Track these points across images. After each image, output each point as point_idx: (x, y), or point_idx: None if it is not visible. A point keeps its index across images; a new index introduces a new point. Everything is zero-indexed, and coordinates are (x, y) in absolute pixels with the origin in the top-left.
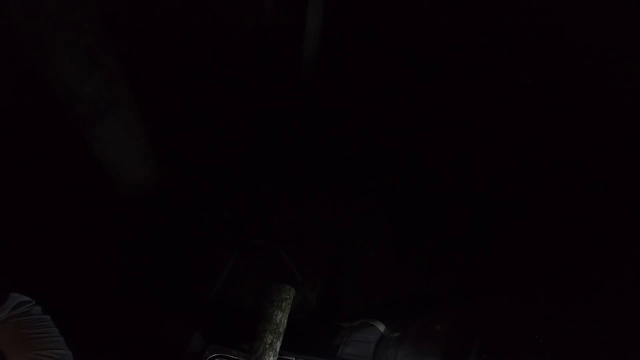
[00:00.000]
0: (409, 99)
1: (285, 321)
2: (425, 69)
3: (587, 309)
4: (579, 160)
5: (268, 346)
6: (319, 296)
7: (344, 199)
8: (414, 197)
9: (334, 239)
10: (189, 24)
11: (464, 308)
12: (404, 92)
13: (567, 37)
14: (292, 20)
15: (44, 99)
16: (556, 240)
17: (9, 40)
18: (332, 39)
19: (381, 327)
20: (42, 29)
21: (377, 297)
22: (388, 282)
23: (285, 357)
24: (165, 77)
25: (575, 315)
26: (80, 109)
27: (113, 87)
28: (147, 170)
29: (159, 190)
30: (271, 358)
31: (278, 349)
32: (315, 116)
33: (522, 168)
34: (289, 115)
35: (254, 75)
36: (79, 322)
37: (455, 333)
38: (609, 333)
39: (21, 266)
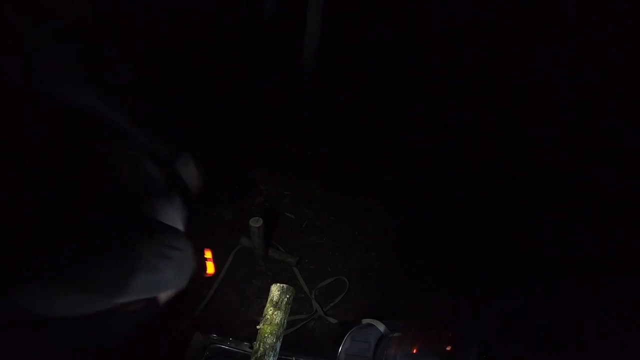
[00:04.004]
0: (409, 98)
1: (285, 321)
2: (426, 67)
3: (588, 309)
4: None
5: (268, 346)
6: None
7: (344, 200)
8: (414, 196)
9: (333, 238)
10: (189, 24)
11: (465, 308)
12: (404, 91)
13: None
14: (292, 20)
15: (45, 100)
16: (556, 238)
17: (9, 40)
18: (332, 39)
19: (381, 327)
20: (43, 28)
21: (378, 298)
22: (388, 282)
23: (285, 357)
24: (166, 77)
25: (576, 315)
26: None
27: (114, 87)
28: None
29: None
30: (271, 358)
31: (278, 349)
32: (315, 115)
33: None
34: (289, 115)
35: (254, 75)
36: None
37: (455, 333)
38: (610, 333)
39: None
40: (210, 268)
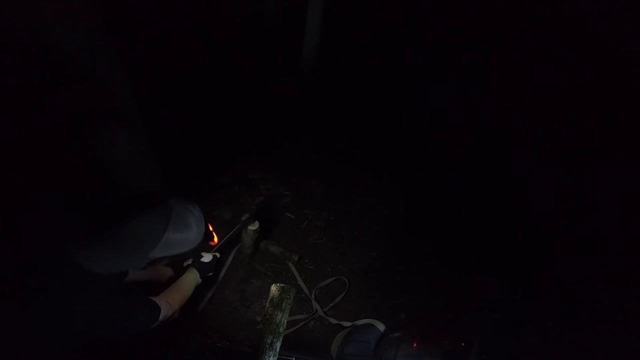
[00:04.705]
0: (409, 99)
1: (285, 321)
2: (426, 67)
3: (587, 309)
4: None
5: (268, 346)
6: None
7: (344, 200)
8: (414, 197)
9: (333, 238)
10: (190, 24)
11: (464, 308)
12: (404, 91)
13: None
14: (292, 20)
15: (44, 99)
16: (556, 238)
17: (9, 40)
18: (332, 39)
19: (381, 327)
20: (42, 28)
21: (378, 298)
22: (388, 282)
23: (285, 357)
24: (167, 76)
25: (575, 314)
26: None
27: (114, 86)
28: (147, 171)
29: (158, 191)
30: (271, 358)
31: (278, 349)
32: (315, 115)
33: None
34: (290, 115)
35: (255, 75)
36: None
37: (455, 333)
38: (609, 334)
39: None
40: (215, 238)
